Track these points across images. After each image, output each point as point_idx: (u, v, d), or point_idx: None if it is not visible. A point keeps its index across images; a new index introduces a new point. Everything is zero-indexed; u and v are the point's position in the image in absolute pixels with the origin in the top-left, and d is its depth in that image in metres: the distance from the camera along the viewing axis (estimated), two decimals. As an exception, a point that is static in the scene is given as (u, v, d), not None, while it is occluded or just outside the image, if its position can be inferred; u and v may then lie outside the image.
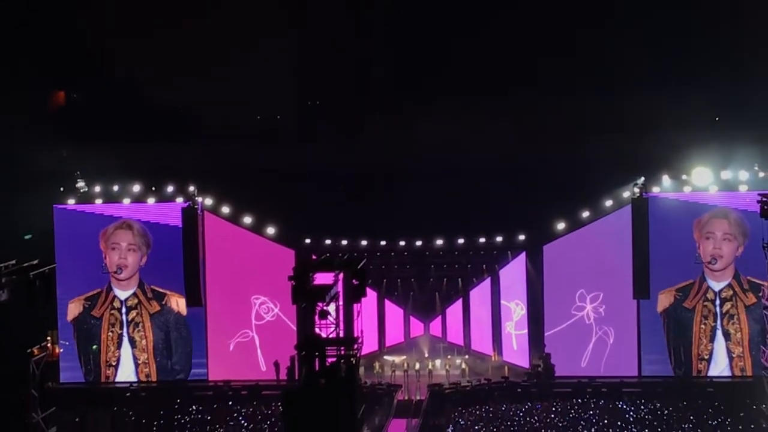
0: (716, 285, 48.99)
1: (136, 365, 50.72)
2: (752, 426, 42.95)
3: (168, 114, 58.53)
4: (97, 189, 50.96)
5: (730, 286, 48.89)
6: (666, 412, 45.33)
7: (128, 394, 48.85)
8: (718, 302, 48.95)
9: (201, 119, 58.00)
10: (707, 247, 48.90)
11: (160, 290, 50.71)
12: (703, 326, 49.09)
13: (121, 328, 50.75)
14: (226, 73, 57.77)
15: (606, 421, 44.68)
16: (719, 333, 48.99)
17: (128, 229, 50.61)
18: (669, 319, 49.30)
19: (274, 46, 59.04)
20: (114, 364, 50.76)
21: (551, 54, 57.62)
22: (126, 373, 50.72)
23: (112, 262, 50.54)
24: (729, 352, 48.92)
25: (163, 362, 50.77)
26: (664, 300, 49.21)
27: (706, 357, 49.09)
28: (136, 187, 50.85)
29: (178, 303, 50.68)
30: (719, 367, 48.84)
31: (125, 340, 50.74)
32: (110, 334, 50.75)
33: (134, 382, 50.27)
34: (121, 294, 50.77)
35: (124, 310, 50.73)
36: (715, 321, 49.01)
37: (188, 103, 58.34)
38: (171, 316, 50.72)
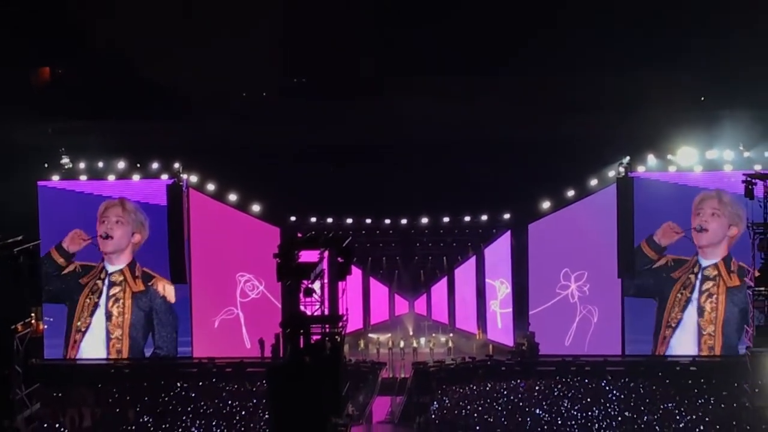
0: (704, 262, 49.20)
1: (108, 339, 50.65)
2: (735, 404, 43.03)
3: (153, 90, 58.36)
4: (82, 165, 50.82)
5: (716, 266, 49.08)
6: (649, 390, 45.44)
7: (112, 371, 48.79)
8: (700, 277, 49.16)
9: (186, 96, 57.89)
10: (695, 220, 49.13)
11: (150, 272, 50.61)
12: (679, 295, 49.36)
13: (99, 297, 50.66)
14: (211, 50, 57.64)
15: (590, 400, 44.74)
16: (692, 306, 49.21)
17: (119, 206, 50.64)
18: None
19: (259, 23, 58.90)
20: (83, 329, 50.72)
21: (537, 32, 57.61)
22: (93, 342, 50.74)
23: (99, 232, 50.49)
24: (699, 327, 49.15)
25: (138, 341, 50.77)
26: (659, 260, 49.30)
27: (672, 325, 49.39)
28: (121, 164, 50.72)
29: (165, 288, 50.63)
30: (682, 338, 49.08)
31: (100, 311, 50.63)
32: (87, 300, 50.69)
33: (119, 360, 50.24)
34: (110, 267, 50.75)
35: (107, 282, 50.64)
36: (691, 293, 49.23)
37: (174, 79, 58.16)
38: (156, 300, 50.67)
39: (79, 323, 50.80)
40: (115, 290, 50.73)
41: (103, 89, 57.11)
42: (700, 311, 49.24)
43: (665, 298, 49.59)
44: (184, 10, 58.17)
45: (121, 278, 50.75)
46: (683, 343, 49.47)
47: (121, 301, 50.70)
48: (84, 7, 58.64)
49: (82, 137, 52.19)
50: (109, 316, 50.73)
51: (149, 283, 50.70)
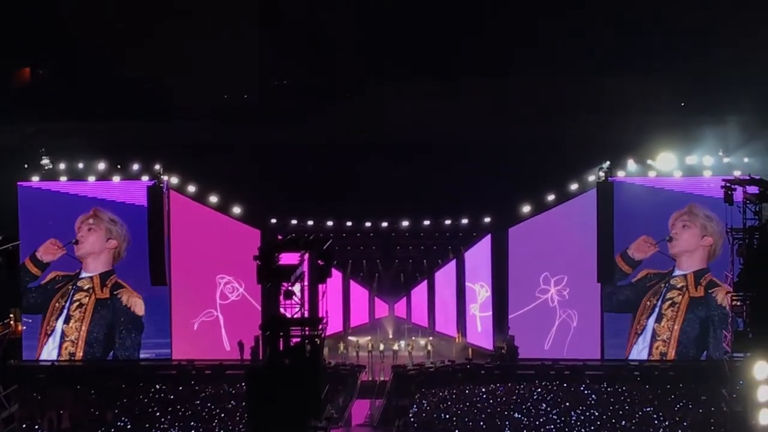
0: (675, 272, 49.47)
1: (62, 341, 50.58)
2: (713, 409, 43.25)
3: (134, 92, 58.22)
4: (62, 166, 50.65)
5: (684, 276, 49.35)
6: (628, 394, 45.59)
7: (91, 372, 48.65)
8: (668, 286, 49.41)
9: (168, 97, 57.73)
10: (670, 231, 49.43)
11: (122, 283, 50.61)
12: (648, 302, 49.63)
13: (66, 301, 50.57)
14: (192, 51, 57.55)
15: (569, 404, 44.88)
16: (655, 312, 49.49)
17: (92, 215, 50.50)
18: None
19: (240, 24, 58.85)
20: (48, 333, 50.70)
21: (518, 36, 57.70)
22: (52, 344, 50.72)
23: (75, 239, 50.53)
24: (654, 333, 49.38)
25: (92, 347, 50.71)
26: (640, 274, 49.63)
27: (639, 332, 49.66)
28: (102, 165, 50.59)
29: (130, 299, 50.59)
30: (639, 346, 49.57)
31: (64, 314, 50.60)
32: (57, 305, 50.64)
33: (97, 361, 50.14)
34: (83, 273, 50.71)
35: (74, 287, 50.61)
36: (657, 300, 49.48)
37: (155, 80, 58.07)
38: (118, 309, 50.62)
39: (47, 327, 50.75)
40: (80, 295, 50.69)
41: (84, 90, 56.92)
42: (659, 317, 49.51)
43: (635, 307, 49.93)
44: (165, 11, 58.04)
45: (89, 285, 50.68)
46: (642, 349, 49.82)
47: (84, 306, 50.61)
48: (65, 8, 58.50)
49: (63, 138, 52.04)
50: (67, 319, 50.66)
51: (115, 293, 50.64)
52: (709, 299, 49.12)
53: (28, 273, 50.45)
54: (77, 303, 50.71)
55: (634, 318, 49.72)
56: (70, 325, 50.66)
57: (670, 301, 49.53)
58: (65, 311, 50.71)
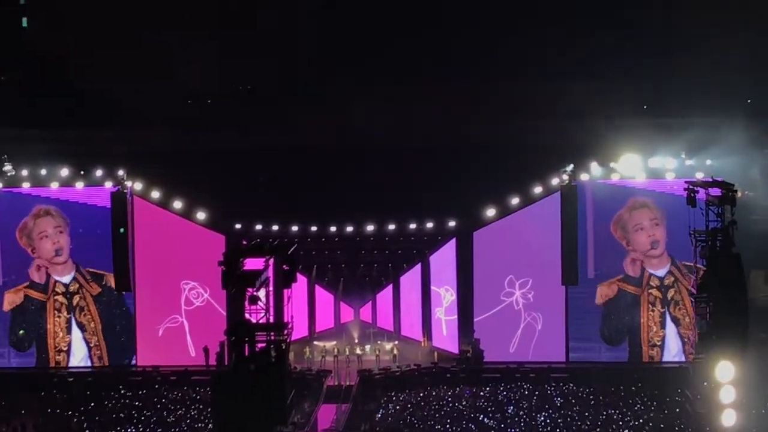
0: (658, 272, 49.68)
1: (89, 349, 50.43)
2: (677, 410, 43.50)
3: (97, 97, 57.92)
4: (25, 173, 50.35)
5: (670, 272, 49.60)
6: (593, 396, 45.77)
7: (55, 379, 48.41)
8: (663, 289, 49.65)
9: (131, 103, 57.44)
10: (641, 238, 49.59)
11: (97, 272, 50.33)
12: (651, 313, 49.77)
13: (69, 312, 50.33)
14: (155, 56, 57.36)
15: (534, 406, 45.04)
16: (668, 319, 49.69)
17: (47, 215, 50.30)
18: (613, 308, 49.79)
19: (202, 30, 58.71)
20: (65, 349, 50.37)
21: (480, 39, 57.85)
22: (78, 356, 50.53)
23: (47, 249, 50.17)
24: (681, 337, 49.61)
25: (113, 342, 50.63)
26: (605, 291, 49.76)
27: (658, 343, 49.80)
28: (64, 171, 50.34)
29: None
30: (671, 352, 49.67)
31: (74, 324, 50.32)
32: (57, 320, 50.32)
33: (62, 368, 49.89)
34: (63, 278, 50.44)
35: (68, 294, 50.33)
36: (663, 307, 49.68)
37: (117, 86, 57.77)
38: (113, 296, 50.36)
39: (57, 342, 50.36)
40: (76, 299, 50.42)
41: (45, 96, 56.64)
42: (676, 321, 49.71)
43: (636, 321, 49.93)
44: (127, 16, 57.80)
45: (77, 285, 50.43)
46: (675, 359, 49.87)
47: (86, 308, 50.42)
48: (25, 15, 58.19)
49: (25, 145, 51.72)
50: (82, 327, 50.42)
51: (103, 282, 50.42)
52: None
53: (33, 301, 50.24)
54: (78, 308, 50.49)
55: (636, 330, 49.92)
56: (88, 331, 50.44)
57: (673, 302, 49.69)
58: (73, 321, 50.39)
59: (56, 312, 50.41)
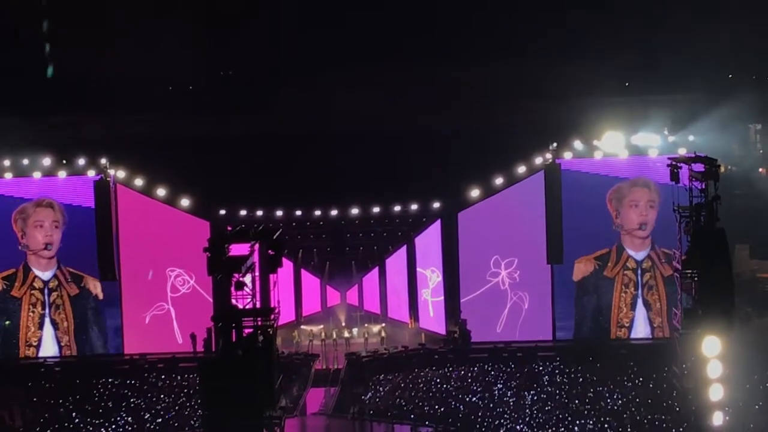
0: (637, 255, 49.73)
1: (60, 347, 50.23)
2: (665, 386, 43.63)
3: (78, 85, 57.68)
4: (7, 163, 50.13)
5: (649, 257, 49.66)
6: (580, 374, 45.89)
7: (42, 369, 48.31)
8: (639, 272, 49.70)
9: (112, 90, 57.22)
10: (631, 215, 49.60)
11: (77, 273, 50.15)
12: (623, 294, 49.83)
13: (43, 308, 50.12)
14: (135, 42, 57.13)
15: (522, 385, 45.15)
16: (640, 302, 49.78)
17: (50, 207, 50.02)
18: (587, 287, 49.92)
19: (183, 15, 58.44)
20: (35, 344, 50.17)
21: (462, 22, 57.83)
22: (48, 353, 50.18)
23: (37, 240, 49.91)
24: (650, 321, 49.74)
25: (83, 345, 50.40)
26: (581, 268, 49.88)
27: (626, 324, 49.89)
28: (47, 161, 50.14)
29: (96, 286, 50.17)
30: (639, 335, 49.72)
31: (47, 321, 50.14)
32: (31, 314, 50.11)
33: (50, 357, 49.79)
34: (43, 275, 50.15)
35: (46, 291, 50.09)
36: (636, 290, 49.77)
37: (98, 73, 57.54)
38: (90, 299, 50.21)
39: (28, 337, 50.16)
40: (54, 296, 50.16)
41: (27, 86, 56.36)
42: (647, 305, 49.82)
43: (608, 300, 50.03)
44: (108, 3, 57.56)
45: (57, 283, 50.23)
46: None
47: (62, 306, 50.17)
48: (4, 3, 57.85)
49: (5, 134, 51.51)
50: (55, 324, 50.21)
51: (81, 284, 50.22)
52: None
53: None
54: (54, 305, 50.22)
55: (600, 309, 49.97)
56: (60, 329, 50.18)
57: (647, 286, 49.78)
58: (47, 318, 50.19)
59: (31, 306, 50.14)
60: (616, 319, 49.91)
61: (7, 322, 49.99)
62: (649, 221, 49.48)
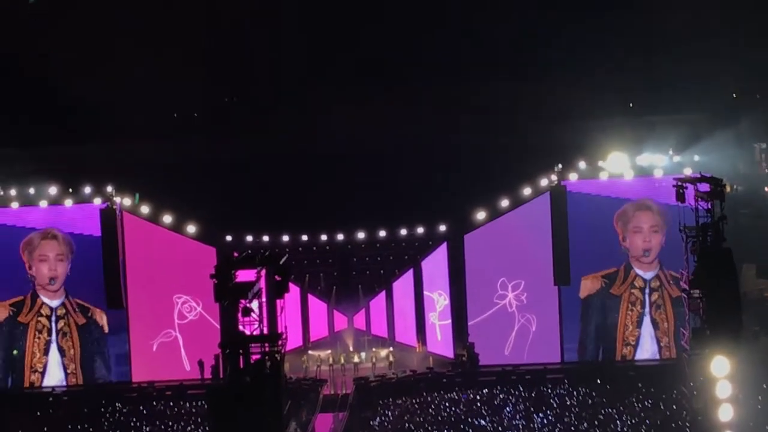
0: (645, 274, 49.61)
1: (66, 374, 50.14)
2: (674, 407, 43.51)
3: (83, 113, 57.76)
4: (13, 192, 50.20)
5: (657, 276, 49.54)
6: (589, 396, 45.77)
7: (50, 398, 48.24)
8: (647, 291, 49.60)
9: (116, 118, 57.32)
10: (637, 241, 49.47)
11: (84, 304, 50.12)
12: (630, 312, 49.71)
13: (49, 335, 50.05)
14: (139, 71, 57.26)
15: (531, 407, 45.02)
16: (647, 320, 49.68)
17: (54, 239, 49.99)
18: (593, 305, 49.85)
19: (184, 41, 58.54)
20: (40, 370, 50.11)
21: (468, 43, 57.90)
22: (53, 380, 50.12)
23: (42, 273, 49.92)
24: (657, 340, 49.60)
25: (90, 374, 50.30)
26: (588, 285, 49.76)
27: (632, 342, 49.74)
28: (53, 190, 50.20)
29: (102, 317, 50.16)
30: (645, 353, 49.56)
31: (53, 347, 50.08)
32: (37, 340, 50.06)
33: (57, 387, 49.72)
34: (51, 302, 50.13)
35: (54, 317, 50.04)
36: (642, 308, 49.64)
37: (102, 102, 57.63)
38: (97, 329, 50.19)
39: (33, 363, 50.09)
40: (61, 324, 50.10)
41: (30, 114, 56.46)
42: (655, 324, 49.66)
43: (614, 318, 49.87)
44: (111, 33, 57.70)
45: (64, 311, 50.18)
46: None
47: (69, 334, 50.10)
48: (8, 34, 58.00)
49: (11, 165, 51.60)
50: (62, 351, 50.16)
51: (89, 314, 50.19)
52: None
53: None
54: (61, 333, 50.13)
55: (609, 329, 49.86)
56: (67, 356, 50.07)
57: (655, 305, 49.63)
58: (53, 344, 50.11)
59: (37, 332, 50.10)
60: (621, 337, 49.79)
61: (15, 352, 49.94)
62: (652, 247, 49.37)
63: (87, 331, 50.25)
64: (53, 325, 50.08)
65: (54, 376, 50.14)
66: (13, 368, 50.17)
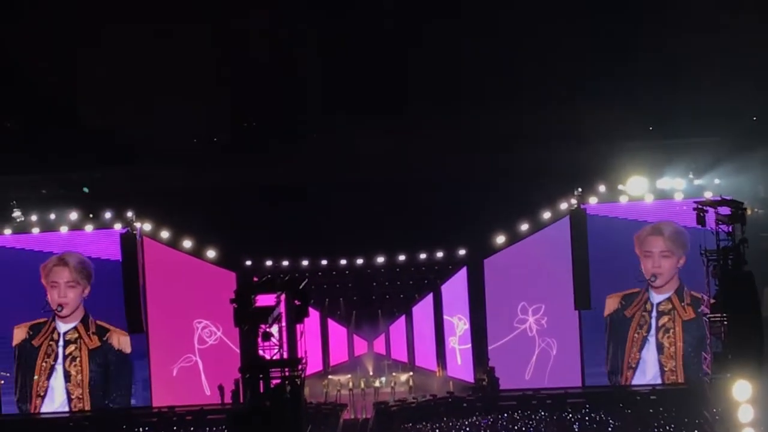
0: (656, 297, 49.41)
1: (69, 400, 49.96)
2: (696, 431, 43.29)
3: (103, 138, 57.94)
4: (34, 218, 50.39)
5: (669, 300, 49.30)
6: (611, 421, 45.57)
7: (71, 423, 48.25)
8: (654, 314, 49.38)
9: (136, 143, 57.47)
10: (647, 265, 49.29)
11: (105, 325, 50.10)
12: (636, 335, 49.54)
13: (55, 360, 50.00)
14: (158, 96, 57.45)
15: (552, 433, 44.94)
16: (651, 344, 49.36)
17: (65, 266, 49.82)
18: (609, 325, 49.71)
19: (204, 68, 58.76)
20: (42, 394, 50.05)
21: (484, 68, 57.89)
22: (53, 405, 49.85)
23: (53, 300, 49.90)
24: (661, 365, 49.33)
25: (98, 399, 50.08)
26: (611, 304, 49.57)
27: (633, 365, 49.55)
28: (73, 215, 50.35)
29: (120, 340, 50.05)
30: (646, 377, 49.32)
31: (59, 372, 49.96)
32: (44, 364, 50.04)
33: (66, 412, 49.61)
34: (62, 327, 50.08)
35: (61, 342, 50.01)
36: (648, 332, 49.39)
37: (124, 126, 57.84)
38: (111, 353, 50.09)
39: (38, 388, 49.99)
40: (70, 349, 49.95)
41: (53, 139, 56.67)
42: (660, 348, 49.39)
43: (623, 339, 49.64)
44: (129, 57, 57.90)
45: (76, 335, 50.09)
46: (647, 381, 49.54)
47: (78, 359, 50.05)
48: (27, 58, 58.30)
49: (32, 189, 51.79)
50: (67, 376, 50.02)
51: (104, 338, 50.10)
52: (700, 320, 48.66)
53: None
54: (69, 357, 50.00)
55: (619, 351, 49.65)
56: (72, 382, 49.92)
57: (663, 329, 49.41)
58: (57, 370, 49.97)
59: (45, 356, 50.01)
60: (627, 360, 49.61)
61: (36, 377, 49.95)
62: (661, 272, 49.01)
63: (99, 355, 50.11)
64: (60, 349, 50.00)
65: (56, 401, 49.96)
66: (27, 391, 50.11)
